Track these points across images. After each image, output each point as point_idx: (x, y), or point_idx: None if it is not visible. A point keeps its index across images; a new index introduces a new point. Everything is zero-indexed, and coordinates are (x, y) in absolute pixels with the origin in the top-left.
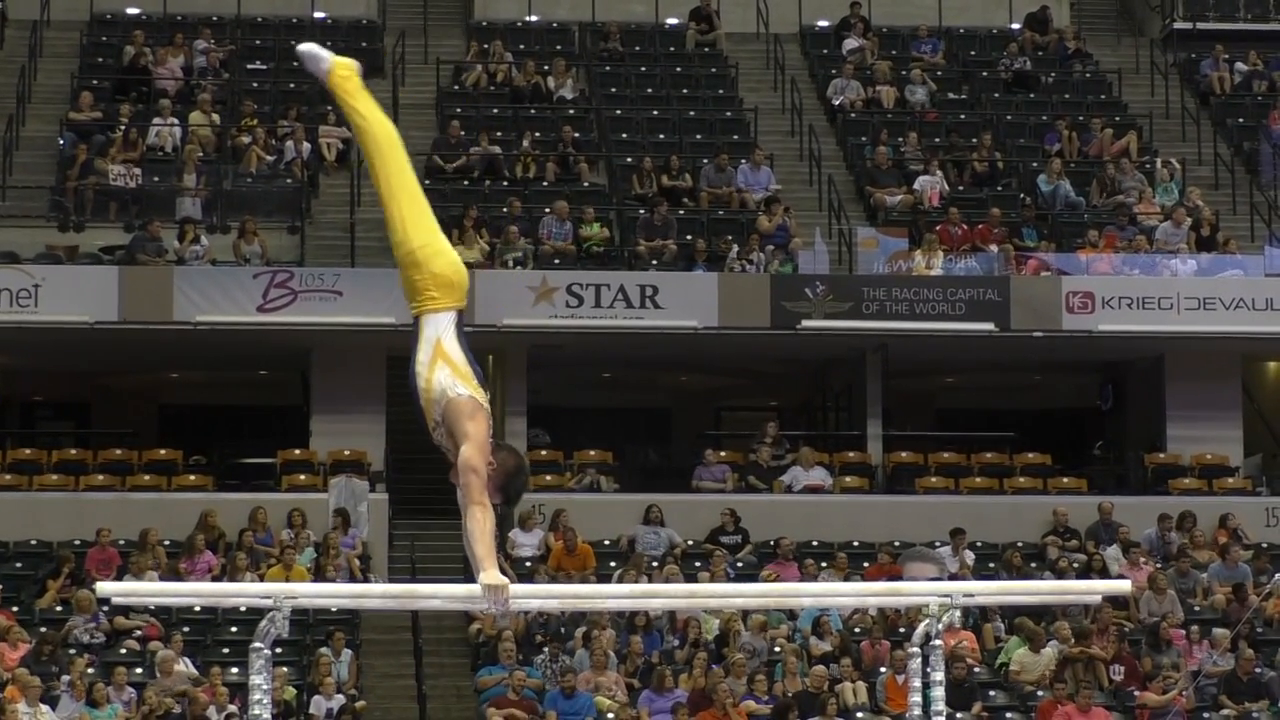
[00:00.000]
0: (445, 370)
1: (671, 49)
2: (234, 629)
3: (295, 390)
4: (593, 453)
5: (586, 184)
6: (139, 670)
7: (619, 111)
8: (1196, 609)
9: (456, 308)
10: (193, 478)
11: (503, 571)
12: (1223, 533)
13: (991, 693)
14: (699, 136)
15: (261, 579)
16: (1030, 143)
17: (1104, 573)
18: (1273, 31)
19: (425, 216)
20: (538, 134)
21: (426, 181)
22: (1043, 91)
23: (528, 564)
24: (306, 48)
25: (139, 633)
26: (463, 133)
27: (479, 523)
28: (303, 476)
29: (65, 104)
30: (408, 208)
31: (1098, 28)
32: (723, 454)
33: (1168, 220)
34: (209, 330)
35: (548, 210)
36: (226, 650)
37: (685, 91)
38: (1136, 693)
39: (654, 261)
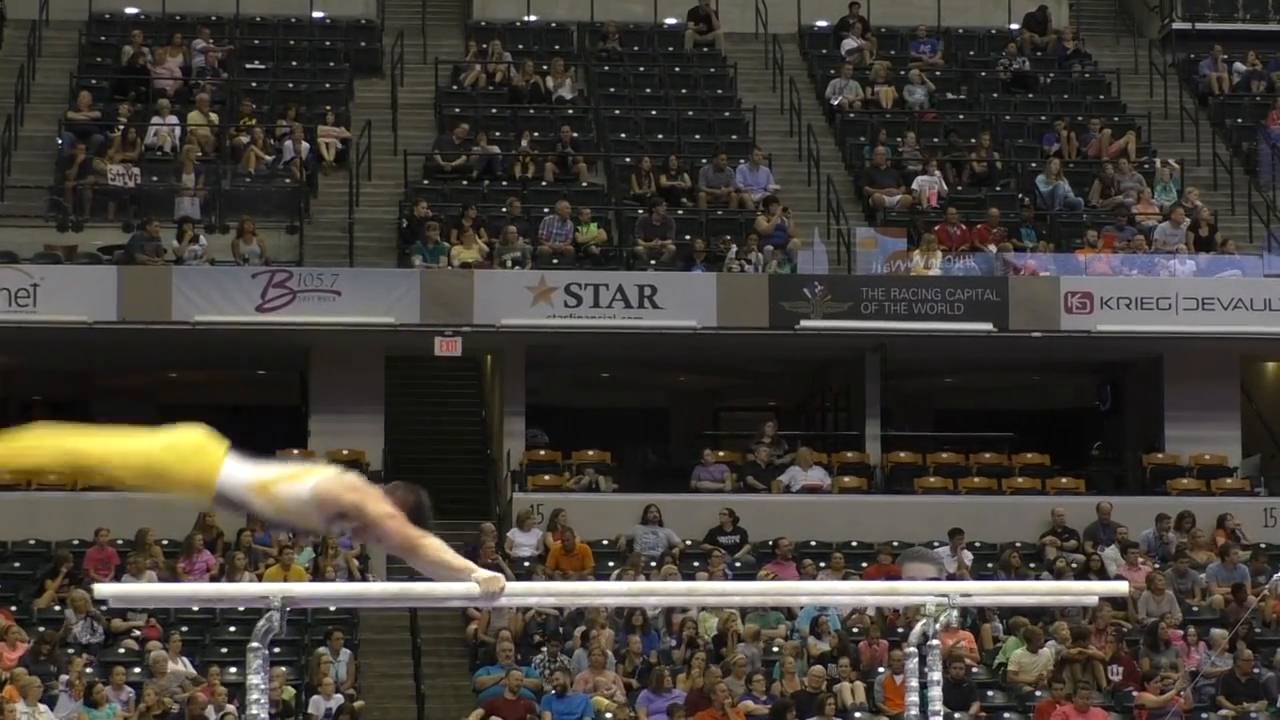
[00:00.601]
0: (282, 487)
1: (670, 49)
2: (232, 629)
3: (294, 390)
4: (591, 453)
5: (585, 184)
6: (137, 670)
7: (618, 111)
8: (1195, 609)
9: (226, 453)
10: None
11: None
12: (1221, 533)
13: (989, 693)
14: (698, 136)
15: (260, 579)
16: (1029, 143)
17: (1102, 573)
18: (1271, 32)
19: (119, 438)
20: (536, 134)
21: (425, 181)
22: (1041, 92)
23: (526, 564)
24: None
25: (137, 633)
26: (463, 130)
27: (435, 546)
28: None
29: (64, 104)
30: (105, 448)
31: (1096, 28)
32: (721, 454)
33: (1166, 220)
34: (207, 330)
35: (547, 210)
36: (225, 650)
37: (684, 91)
38: (1135, 693)
39: (652, 261)
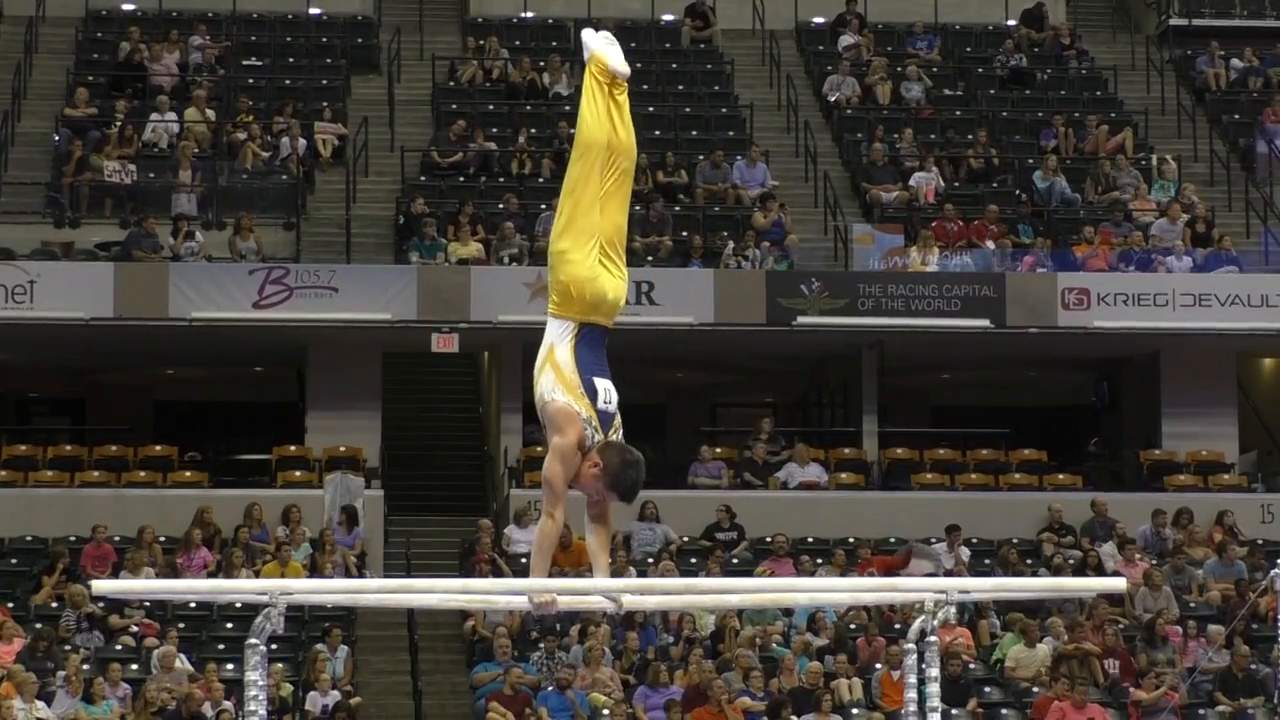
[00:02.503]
0: (550, 376)
1: (667, 45)
2: (230, 625)
3: (291, 387)
4: None
5: None
6: (134, 666)
7: None
8: (1192, 605)
9: (581, 320)
10: (188, 474)
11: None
12: (1218, 529)
13: (987, 689)
14: (694, 133)
15: (257, 575)
16: (1026, 139)
17: (1099, 569)
18: (1268, 28)
19: (572, 224)
20: (533, 130)
21: (422, 178)
22: (1038, 88)
23: (523, 560)
24: (587, 36)
25: (135, 629)
26: (459, 129)
27: (539, 533)
28: (298, 473)
29: (61, 100)
30: (563, 209)
31: (1093, 24)
32: (718, 450)
33: (1163, 217)
34: (204, 326)
35: (545, 207)
36: (222, 647)
37: (681, 88)
38: (1131, 689)
39: (650, 258)
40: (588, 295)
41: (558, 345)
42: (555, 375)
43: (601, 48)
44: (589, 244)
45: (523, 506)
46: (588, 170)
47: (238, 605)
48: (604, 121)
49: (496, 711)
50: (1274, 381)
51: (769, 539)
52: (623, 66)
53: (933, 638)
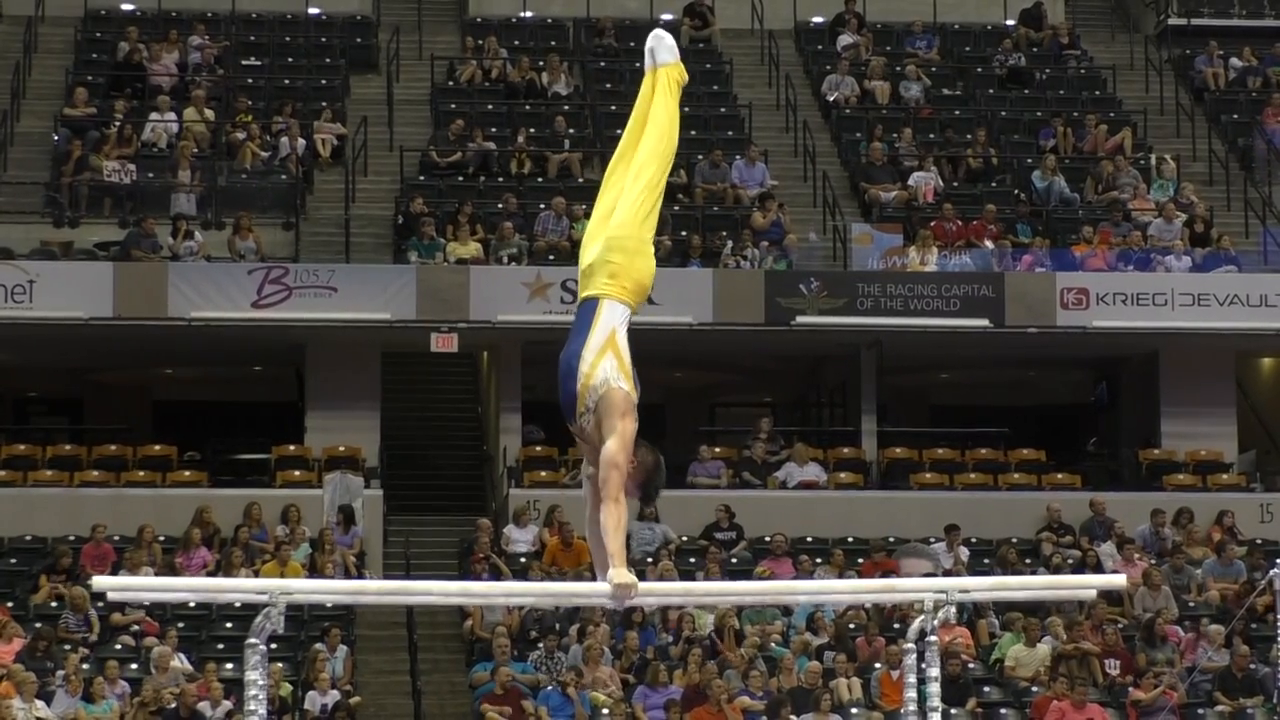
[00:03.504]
0: (612, 361)
1: None
2: (229, 625)
3: (290, 386)
4: None
5: (581, 180)
6: (134, 666)
7: (613, 107)
8: (1191, 605)
9: (634, 307)
10: (187, 473)
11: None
12: (1217, 529)
13: (986, 689)
14: (693, 133)
15: (257, 575)
16: (1025, 139)
17: (1098, 569)
18: (1267, 28)
19: (652, 216)
20: (532, 130)
21: (421, 177)
22: (1037, 88)
23: (522, 559)
24: (662, 38)
25: (135, 628)
26: (458, 129)
27: (613, 518)
28: (297, 473)
29: (60, 100)
30: (645, 199)
31: (1092, 24)
32: (717, 450)
33: (1161, 216)
34: (203, 326)
35: (544, 206)
36: (221, 646)
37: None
38: (1130, 688)
39: None
40: (648, 286)
41: (619, 330)
42: (617, 361)
43: (677, 57)
44: (651, 235)
45: (521, 506)
46: (664, 171)
47: (237, 605)
48: (677, 128)
49: (491, 712)
50: (1273, 381)
51: (768, 539)
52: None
53: (932, 637)
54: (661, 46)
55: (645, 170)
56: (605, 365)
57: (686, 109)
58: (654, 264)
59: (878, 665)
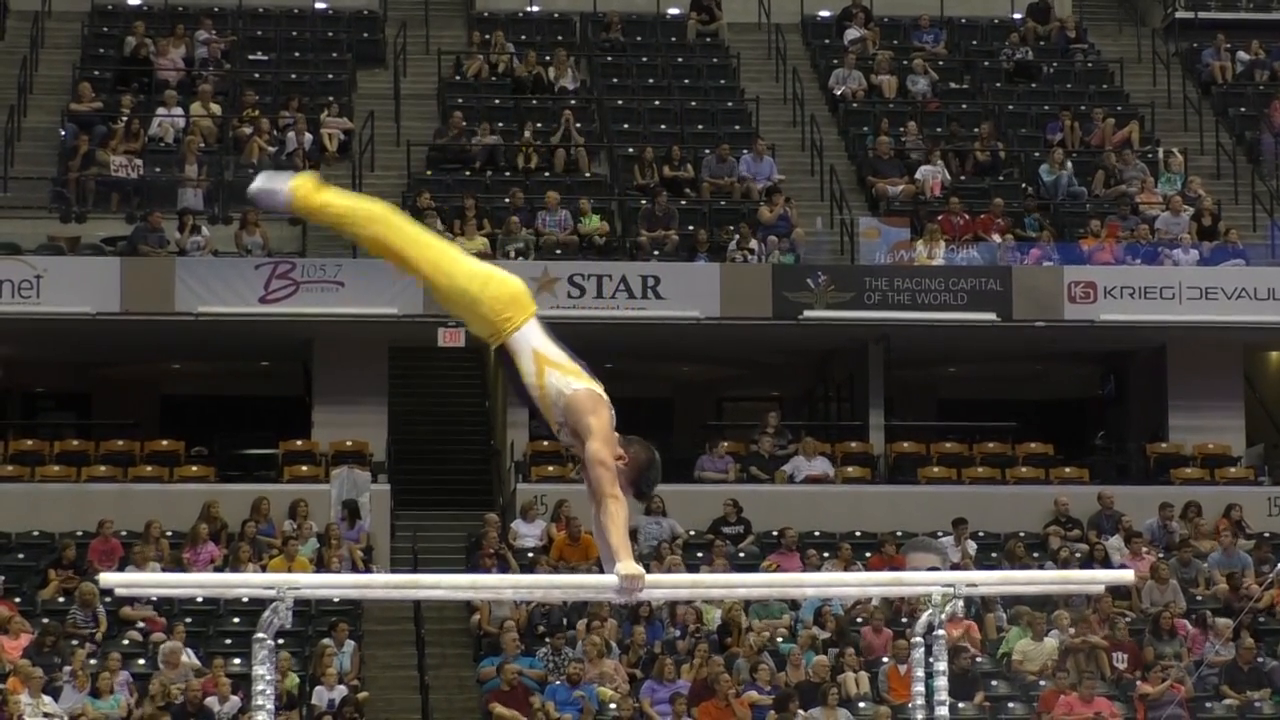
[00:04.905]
0: (554, 373)
1: (673, 39)
2: (236, 620)
3: (297, 381)
4: None
5: (588, 174)
6: (141, 661)
7: (620, 102)
8: (1199, 599)
9: (533, 315)
10: (194, 468)
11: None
12: (1224, 522)
13: (994, 683)
14: (700, 127)
15: (264, 570)
16: (1032, 132)
17: (1106, 563)
18: (1274, 21)
19: (449, 255)
20: (539, 124)
21: (428, 172)
22: (1044, 81)
23: (530, 554)
24: (258, 188)
25: (142, 624)
26: (464, 123)
27: (612, 515)
28: (305, 467)
29: (67, 95)
30: (434, 260)
31: (1099, 17)
32: (725, 444)
33: (1169, 209)
34: (210, 321)
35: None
36: (229, 641)
37: (687, 82)
38: (1138, 682)
39: (656, 252)
40: (519, 287)
41: (539, 346)
42: (558, 370)
43: (284, 183)
44: (467, 258)
45: (529, 501)
46: (401, 233)
47: (244, 600)
48: (356, 198)
49: (498, 708)
50: None
51: (776, 533)
52: None
53: (940, 631)
54: (266, 198)
55: (402, 260)
56: (551, 380)
57: (694, 103)
58: (501, 275)
59: (885, 659)
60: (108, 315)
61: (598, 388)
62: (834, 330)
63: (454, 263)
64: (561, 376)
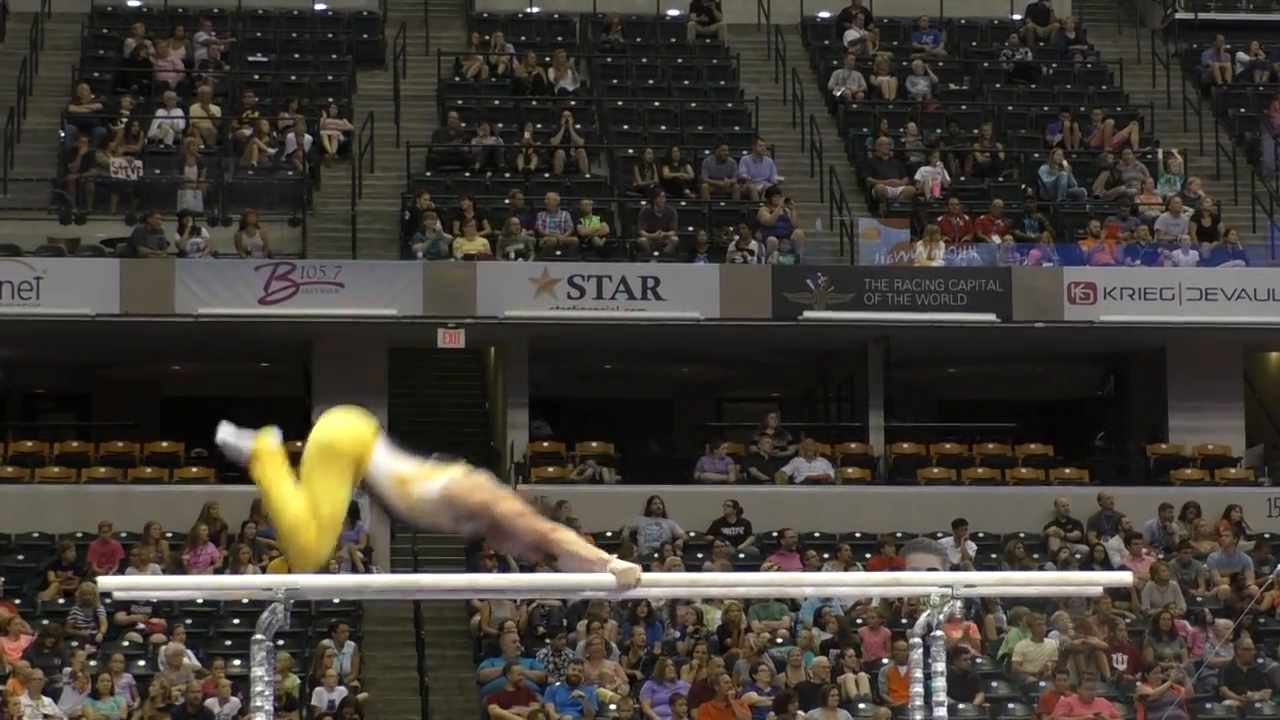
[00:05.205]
0: (420, 485)
1: (672, 40)
2: (236, 621)
3: (297, 382)
4: (594, 444)
5: (588, 175)
6: (141, 663)
7: (620, 103)
8: (1199, 599)
9: (352, 454)
10: (194, 470)
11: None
12: (1224, 523)
13: (994, 684)
14: (700, 128)
15: (264, 571)
16: (1031, 133)
17: (1106, 564)
18: (1274, 22)
19: (303, 523)
20: (539, 125)
21: (428, 174)
22: (1044, 82)
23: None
24: (224, 437)
25: (141, 626)
26: (464, 124)
27: (567, 538)
28: None
29: (66, 96)
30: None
31: (1099, 18)
32: (724, 445)
33: (1168, 210)
34: (210, 322)
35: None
36: (229, 643)
37: (686, 83)
38: (1138, 683)
39: (655, 253)
40: (330, 439)
41: (394, 464)
42: (410, 483)
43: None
44: (304, 513)
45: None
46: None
47: (244, 601)
48: (289, 497)
49: (499, 709)
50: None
51: (776, 534)
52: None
53: (939, 632)
54: (230, 451)
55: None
56: (420, 490)
57: (693, 104)
58: (303, 529)
59: (885, 660)
60: (107, 316)
61: (456, 468)
62: (834, 331)
63: (306, 530)
64: (422, 485)
